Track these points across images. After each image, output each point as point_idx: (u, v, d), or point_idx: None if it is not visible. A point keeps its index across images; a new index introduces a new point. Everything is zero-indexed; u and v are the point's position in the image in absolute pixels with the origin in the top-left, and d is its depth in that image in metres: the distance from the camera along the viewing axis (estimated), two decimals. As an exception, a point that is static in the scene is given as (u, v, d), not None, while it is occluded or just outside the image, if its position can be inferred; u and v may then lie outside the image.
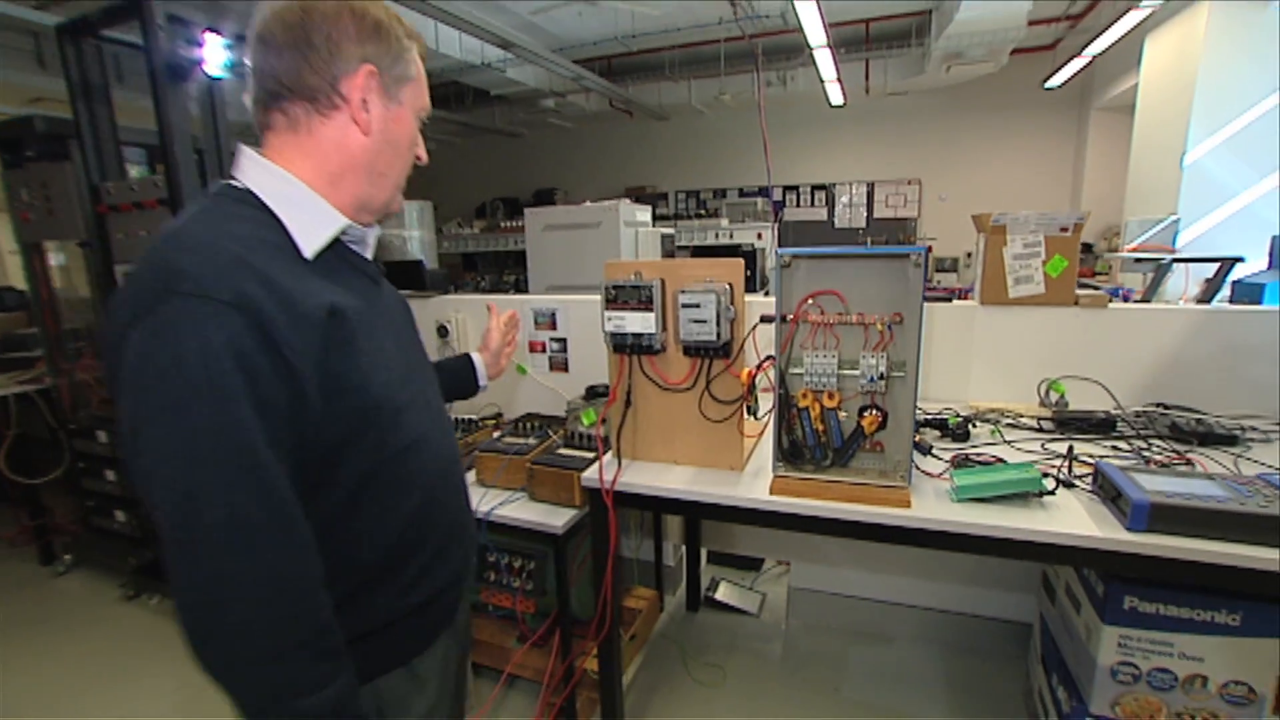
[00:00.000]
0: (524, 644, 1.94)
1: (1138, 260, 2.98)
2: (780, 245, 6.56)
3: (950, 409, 1.69)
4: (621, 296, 1.36)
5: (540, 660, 1.91)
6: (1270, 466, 1.31)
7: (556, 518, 1.64)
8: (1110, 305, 1.71)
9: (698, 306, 1.28)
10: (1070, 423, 1.57)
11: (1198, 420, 1.51)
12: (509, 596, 1.88)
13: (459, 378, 1.34)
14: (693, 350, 1.37)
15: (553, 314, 2.31)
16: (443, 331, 2.50)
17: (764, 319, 1.30)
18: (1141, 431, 1.51)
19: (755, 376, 1.32)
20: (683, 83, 6.71)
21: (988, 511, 1.17)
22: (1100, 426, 1.55)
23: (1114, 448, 1.44)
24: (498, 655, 1.98)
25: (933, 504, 1.22)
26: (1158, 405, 1.66)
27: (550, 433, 1.96)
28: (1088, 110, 6.07)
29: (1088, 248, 5.32)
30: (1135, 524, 1.06)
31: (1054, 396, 1.71)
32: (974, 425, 1.58)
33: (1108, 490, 1.17)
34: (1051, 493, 1.18)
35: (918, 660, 2.08)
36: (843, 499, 1.25)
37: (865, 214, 7.18)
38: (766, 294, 4.70)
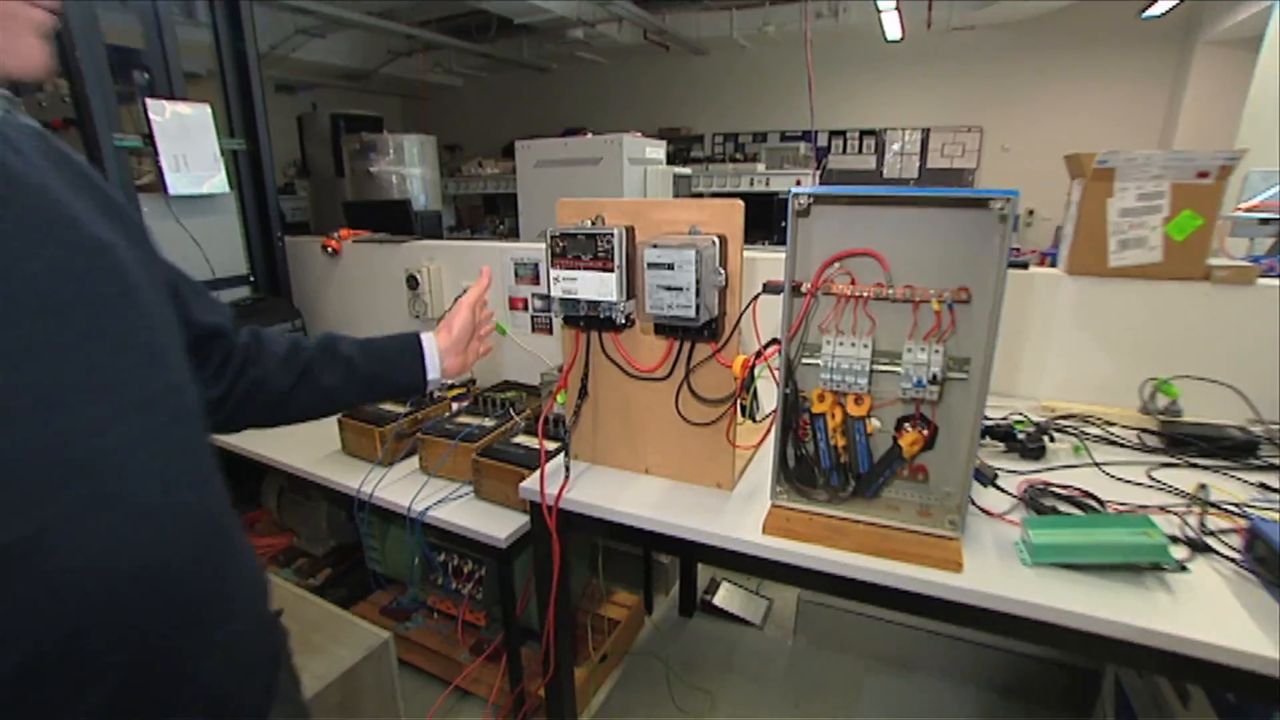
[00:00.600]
0: (475, 658, 1.65)
1: (1263, 221, 2.43)
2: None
3: (1018, 413, 1.28)
4: (572, 249, 0.98)
5: (495, 675, 1.62)
6: None
7: (502, 525, 1.32)
8: (1260, 281, 1.26)
9: (670, 268, 0.89)
10: (1188, 441, 1.16)
11: (1378, 449, 1.08)
12: (454, 603, 1.58)
13: (387, 368, 0.88)
14: (666, 329, 0.99)
15: (536, 266, 1.95)
16: (412, 282, 2.17)
17: (768, 288, 0.91)
18: (1296, 462, 1.09)
19: (753, 368, 0.95)
20: (723, 13, 6.06)
21: (1080, 587, 0.79)
22: (1234, 450, 1.13)
23: (1261, 485, 1.03)
24: (448, 666, 1.70)
25: (995, 565, 0.84)
26: (1310, 420, 1.23)
27: (514, 411, 1.62)
28: (1192, 44, 5.23)
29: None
30: (1333, 641, 0.67)
31: (1162, 401, 1.29)
32: (1051, 438, 1.18)
33: (1274, 569, 0.77)
34: (1183, 567, 0.79)
35: (947, 699, 1.73)
36: (864, 550, 0.88)
37: (918, 163, 6.51)
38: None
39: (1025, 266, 1.45)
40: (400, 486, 1.49)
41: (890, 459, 0.91)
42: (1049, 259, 2.03)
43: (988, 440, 1.19)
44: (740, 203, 0.92)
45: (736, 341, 0.98)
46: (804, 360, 0.94)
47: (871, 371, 0.88)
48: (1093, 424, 1.28)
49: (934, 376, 0.84)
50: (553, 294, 1.03)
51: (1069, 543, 0.81)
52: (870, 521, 0.91)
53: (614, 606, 1.90)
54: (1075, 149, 1.38)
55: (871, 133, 6.72)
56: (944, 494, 0.93)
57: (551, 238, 1.00)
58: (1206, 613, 0.74)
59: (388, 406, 1.68)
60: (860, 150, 6.75)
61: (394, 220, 3.20)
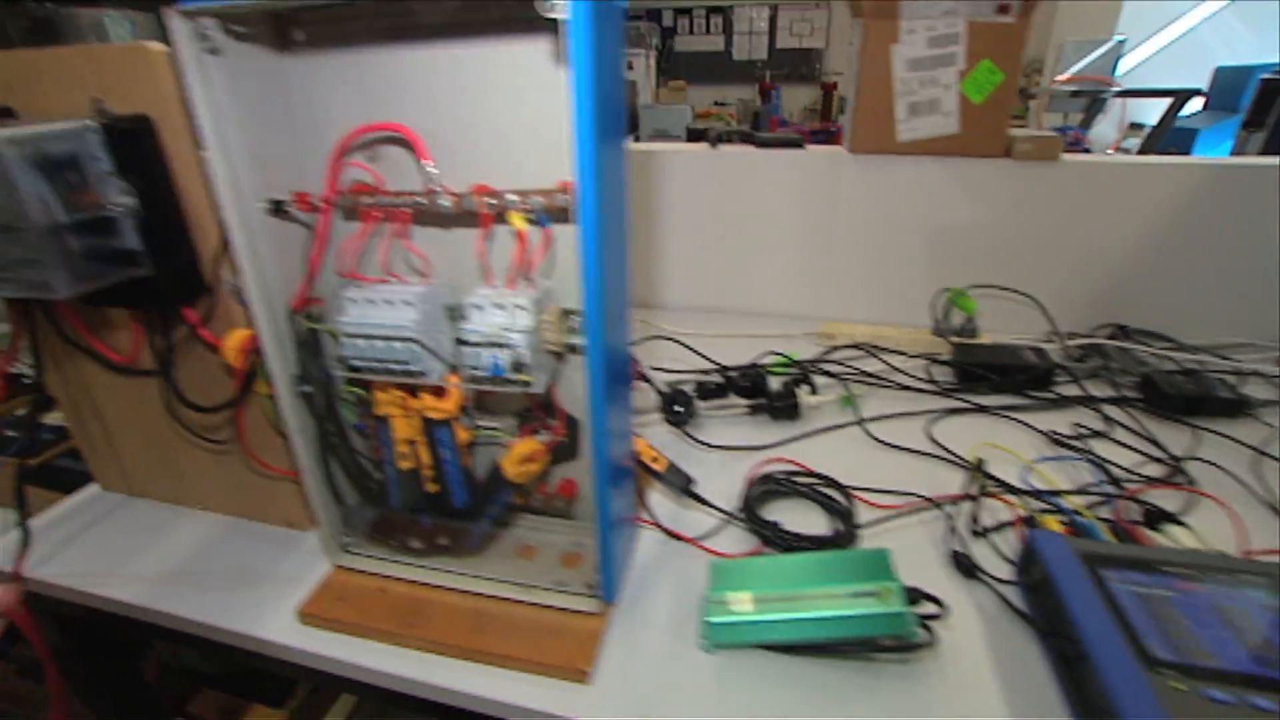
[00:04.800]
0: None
1: (1074, 94, 2.25)
2: (668, 79, 5.44)
3: (776, 352, 0.97)
4: None
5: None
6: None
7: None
8: (1064, 157, 0.97)
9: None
10: (979, 374, 0.89)
11: (1186, 372, 0.86)
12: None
13: None
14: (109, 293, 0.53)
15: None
16: None
17: (277, 207, 0.47)
18: (1095, 395, 0.84)
19: (257, 347, 0.53)
20: None
21: (786, 690, 0.48)
22: (1027, 381, 0.87)
23: (1052, 435, 0.77)
24: None
25: (656, 654, 0.51)
26: (1115, 329, 1.00)
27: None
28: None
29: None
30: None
31: (958, 318, 1.02)
32: (813, 388, 0.87)
33: (1044, 609, 0.49)
34: (930, 635, 0.49)
35: None
36: (443, 649, 0.51)
37: (767, 43, 6.07)
38: (636, 139, 3.68)
39: (799, 146, 1.10)
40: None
41: (493, 486, 0.54)
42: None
43: (730, 398, 0.86)
44: (161, 48, 0.45)
45: (226, 305, 0.54)
46: (325, 329, 0.53)
47: (415, 344, 0.49)
48: (877, 351, 1.00)
49: (517, 364, 0.45)
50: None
51: (761, 617, 0.48)
52: (474, 591, 0.55)
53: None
54: None
55: (719, 10, 6.14)
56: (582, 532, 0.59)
57: None
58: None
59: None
60: (708, 30, 6.18)
61: None
